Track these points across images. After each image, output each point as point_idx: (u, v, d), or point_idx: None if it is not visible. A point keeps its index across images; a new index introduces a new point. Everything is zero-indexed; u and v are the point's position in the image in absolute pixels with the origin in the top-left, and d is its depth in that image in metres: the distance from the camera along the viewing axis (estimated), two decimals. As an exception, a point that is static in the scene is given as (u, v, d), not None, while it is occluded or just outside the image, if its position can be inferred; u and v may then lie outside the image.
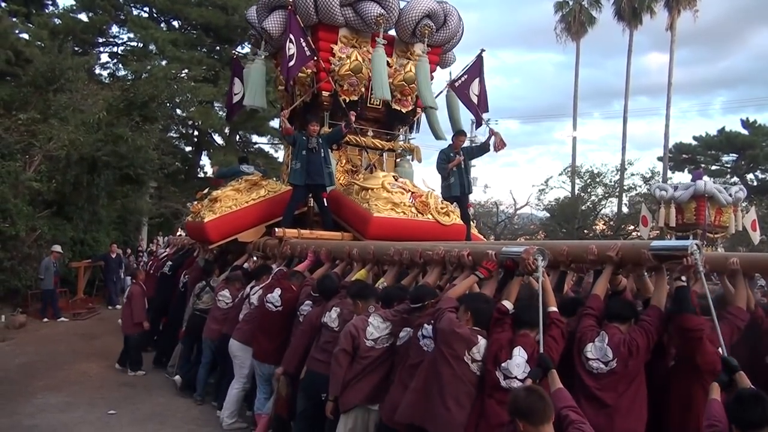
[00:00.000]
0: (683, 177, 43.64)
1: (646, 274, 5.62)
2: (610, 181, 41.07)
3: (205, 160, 34.85)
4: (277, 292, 8.12)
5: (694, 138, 50.15)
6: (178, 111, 29.38)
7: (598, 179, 40.72)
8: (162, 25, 33.13)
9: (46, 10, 30.99)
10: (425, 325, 5.63)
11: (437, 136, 13.01)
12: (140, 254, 25.35)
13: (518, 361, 4.89)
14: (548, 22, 47.67)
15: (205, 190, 12.56)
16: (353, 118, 10.97)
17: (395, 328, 6.15)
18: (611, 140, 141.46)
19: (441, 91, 12.70)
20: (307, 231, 10.42)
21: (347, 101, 11.71)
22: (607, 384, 4.83)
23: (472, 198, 20.72)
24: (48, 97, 19.80)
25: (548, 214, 41.81)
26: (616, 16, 45.72)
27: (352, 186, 10.94)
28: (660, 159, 45.50)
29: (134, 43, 33.18)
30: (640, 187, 40.45)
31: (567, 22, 47.14)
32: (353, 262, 8.33)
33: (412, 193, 10.56)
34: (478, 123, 12.65)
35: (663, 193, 23.21)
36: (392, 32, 12.12)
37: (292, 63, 10.85)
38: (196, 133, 34.01)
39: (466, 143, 12.87)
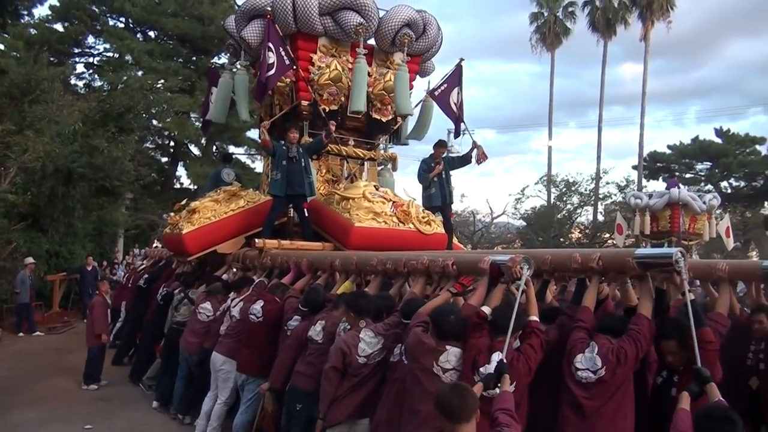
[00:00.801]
0: (658, 185, 43.89)
1: (629, 282, 5.64)
2: (586, 190, 41.32)
3: (181, 171, 34.68)
4: (259, 303, 8.00)
5: (669, 147, 50.68)
6: (154, 122, 29.15)
7: (573, 188, 40.95)
8: (138, 35, 32.92)
9: (22, 21, 30.51)
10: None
11: (400, 141, 13.19)
12: (116, 266, 25.08)
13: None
14: (524, 33, 48.18)
15: (183, 201, 12.44)
16: (333, 128, 10.90)
17: (387, 343, 6.00)
18: (587, 149, 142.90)
19: (421, 101, 12.74)
20: (287, 242, 10.29)
21: (327, 111, 11.64)
22: (594, 393, 4.79)
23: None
24: (23, 109, 19.40)
25: (525, 223, 41.96)
26: (591, 27, 46.32)
27: (333, 196, 10.84)
28: (635, 167, 45.88)
29: (110, 54, 32.95)
30: (615, 195, 40.69)
31: (542, 33, 47.53)
32: (335, 273, 8.24)
33: (394, 202, 10.50)
34: (457, 132, 12.60)
35: (638, 202, 23.43)
36: (372, 41, 12.08)
37: (271, 72, 10.76)
38: (172, 143, 33.76)
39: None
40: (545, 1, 47.77)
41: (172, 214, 12.10)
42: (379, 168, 12.85)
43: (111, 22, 32.69)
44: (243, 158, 34.82)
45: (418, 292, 6.56)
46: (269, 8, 11.24)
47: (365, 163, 12.43)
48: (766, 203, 47.14)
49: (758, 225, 40.86)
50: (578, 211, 41.78)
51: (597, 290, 5.49)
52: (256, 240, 10.13)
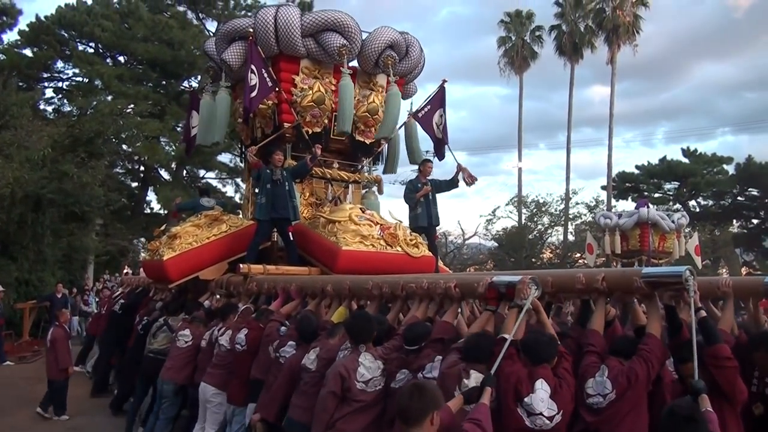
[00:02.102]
0: (627, 205, 44.46)
1: (636, 301, 5.51)
2: (556, 210, 41.89)
3: (151, 196, 34.49)
4: (244, 332, 7.77)
5: (637, 167, 51.35)
6: (124, 146, 29.13)
7: (543, 209, 41.52)
8: (108, 60, 32.88)
9: None
10: (428, 365, 5.30)
11: (389, 169, 13.15)
12: (87, 294, 24.67)
13: (541, 396, 4.53)
14: (492, 57, 48.37)
15: (162, 227, 12.21)
16: (319, 152, 10.76)
17: (389, 367, 5.69)
18: (557, 170, 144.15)
19: (403, 123, 12.60)
20: (272, 267, 10.03)
21: (310, 133, 11.51)
22: (605, 417, 4.60)
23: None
24: None
25: (496, 244, 42.26)
26: (558, 51, 46.89)
27: (318, 219, 10.66)
28: (604, 188, 46.16)
29: (80, 79, 32.75)
30: (585, 215, 41.28)
31: (510, 56, 48.10)
32: (325, 299, 7.97)
33: (381, 225, 10.34)
34: (440, 155, 12.46)
35: (607, 221, 23.75)
36: (354, 63, 11.93)
37: (254, 93, 10.61)
38: (142, 168, 33.59)
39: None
40: (512, 25, 48.35)
41: (152, 240, 11.90)
42: (364, 191, 12.65)
43: (80, 47, 32.59)
44: (214, 182, 35.05)
45: (420, 316, 6.33)
46: (251, 29, 11.11)
47: (350, 185, 12.23)
48: (734, 221, 48.09)
49: (727, 243, 41.42)
50: (549, 231, 42.51)
51: (603, 311, 5.35)
52: (241, 265, 9.85)
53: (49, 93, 33.16)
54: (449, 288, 6.13)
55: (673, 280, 4.87)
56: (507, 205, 42.98)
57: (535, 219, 41.88)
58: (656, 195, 49.05)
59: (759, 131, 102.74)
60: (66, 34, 32.14)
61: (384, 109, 11.83)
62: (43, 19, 31.39)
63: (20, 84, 27.81)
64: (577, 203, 42.20)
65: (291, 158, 11.41)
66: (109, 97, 28.87)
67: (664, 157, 49.87)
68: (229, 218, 11.48)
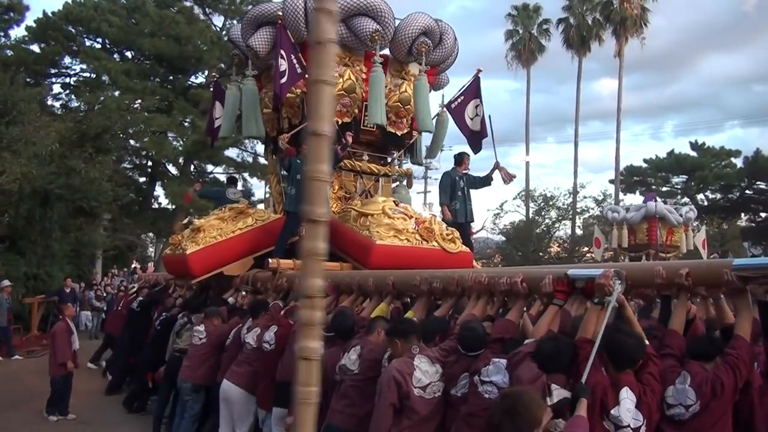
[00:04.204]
0: (635, 199, 44.32)
1: (723, 297, 5.01)
2: (563, 204, 41.59)
3: (159, 191, 34.20)
4: (273, 330, 7.39)
5: (645, 161, 50.95)
6: (132, 141, 29.10)
7: (551, 203, 41.20)
8: (115, 55, 32.52)
9: None
10: (484, 368, 4.80)
11: (415, 160, 12.86)
12: (96, 288, 24.48)
13: (628, 406, 4.10)
14: (500, 50, 48.33)
15: (185, 220, 11.87)
16: (350, 140, 10.41)
17: (450, 371, 5.16)
18: (565, 164, 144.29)
19: (436, 114, 12.16)
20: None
21: (340, 123, 10.97)
22: (688, 431, 4.24)
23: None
24: (0, 130, 19.07)
25: (504, 238, 41.89)
26: (565, 45, 46.62)
27: (349, 212, 10.21)
28: (612, 182, 46.18)
29: (87, 74, 32.44)
30: (592, 209, 41.14)
31: (517, 50, 47.92)
32: (363, 295, 7.62)
33: (416, 219, 9.96)
34: (475, 148, 11.96)
35: (615, 215, 23.78)
36: (386, 51, 11.51)
37: (284, 79, 10.15)
38: (149, 163, 33.33)
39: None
40: (520, 18, 48.13)
41: (174, 234, 11.60)
42: (394, 185, 12.32)
43: (87, 43, 32.28)
44: (221, 177, 34.42)
45: (478, 314, 5.75)
46: (280, 13, 10.66)
47: (380, 179, 11.85)
48: (742, 215, 48.00)
49: (735, 236, 41.33)
50: (556, 225, 42.04)
51: (685, 309, 4.91)
52: (270, 260, 9.48)
53: (56, 88, 32.88)
54: (515, 283, 5.56)
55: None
56: (514, 199, 42.61)
57: (543, 213, 41.47)
58: (664, 189, 48.69)
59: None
60: (73, 30, 31.79)
61: (414, 100, 11.38)
62: (50, 14, 31.09)
63: (27, 80, 27.45)
64: (585, 197, 42.05)
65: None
66: (117, 93, 28.61)
67: (672, 151, 49.62)
68: (255, 211, 11.14)
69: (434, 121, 12.05)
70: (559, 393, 4.24)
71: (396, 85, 11.53)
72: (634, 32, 44.18)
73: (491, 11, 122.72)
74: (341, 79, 11.04)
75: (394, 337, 5.45)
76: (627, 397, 4.12)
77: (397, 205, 10.15)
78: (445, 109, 12.05)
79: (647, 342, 4.49)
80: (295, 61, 10.24)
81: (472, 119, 11.67)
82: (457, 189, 11.47)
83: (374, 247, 9.30)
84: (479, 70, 11.93)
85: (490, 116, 11.70)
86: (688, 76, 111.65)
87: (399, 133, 11.76)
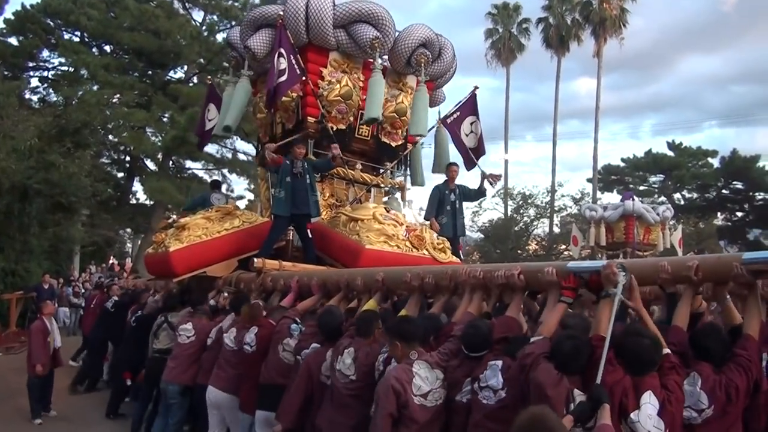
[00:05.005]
0: (613, 197, 44.89)
1: (728, 296, 4.71)
2: (542, 203, 42.11)
3: (137, 186, 34.05)
4: (254, 331, 7.16)
5: (623, 160, 51.62)
6: (110, 136, 28.90)
7: (529, 201, 41.69)
8: (93, 49, 32.36)
9: None
10: (482, 374, 4.56)
11: (416, 181, 12.69)
12: (74, 284, 24.38)
13: (649, 411, 3.81)
14: (480, 48, 48.33)
15: (170, 219, 11.74)
16: (337, 152, 10.22)
17: (452, 376, 4.85)
18: (544, 162, 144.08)
19: (432, 127, 12.15)
20: (289, 263, 9.36)
21: (335, 129, 10.99)
22: None
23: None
24: None
25: (482, 236, 42.22)
26: (545, 44, 46.96)
27: (339, 217, 10.11)
28: (590, 180, 46.73)
29: (65, 68, 32.20)
30: (570, 207, 41.91)
31: (497, 48, 48.26)
32: (351, 295, 7.33)
33: (406, 226, 9.89)
34: (469, 164, 11.95)
35: (593, 214, 24.05)
36: (385, 62, 11.44)
37: (283, 78, 10.06)
38: (128, 158, 33.14)
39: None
40: (500, 17, 48.33)
41: (157, 233, 11.48)
42: (387, 197, 12.21)
43: (66, 36, 32.06)
44: (201, 173, 34.69)
45: (476, 312, 5.47)
46: (281, 13, 10.59)
47: (372, 189, 11.77)
48: (718, 214, 48.58)
49: (711, 235, 41.87)
50: (535, 223, 42.79)
51: (689, 306, 4.60)
52: (255, 259, 9.22)
53: (34, 82, 32.69)
54: (512, 276, 5.32)
55: None
56: (493, 197, 42.40)
57: (521, 211, 41.97)
58: (642, 188, 49.35)
59: (745, 125, 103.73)
60: (52, 23, 31.61)
61: (413, 106, 11.33)
62: (28, 7, 30.92)
63: (5, 73, 27.46)
64: (563, 195, 42.78)
65: (312, 155, 10.92)
66: (95, 87, 28.43)
67: (650, 150, 50.38)
68: (243, 213, 10.94)
69: (434, 134, 12.18)
70: (579, 398, 3.93)
71: (393, 95, 11.43)
72: (613, 33, 44.65)
73: (472, 9, 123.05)
74: (338, 85, 11.00)
75: (395, 338, 5.05)
76: (649, 402, 3.84)
77: (388, 211, 10.07)
78: (440, 123, 12.04)
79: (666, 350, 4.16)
80: (293, 61, 10.20)
81: (467, 135, 11.72)
82: (445, 203, 11.42)
83: (363, 252, 9.16)
84: (476, 88, 12.02)
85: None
86: (667, 76, 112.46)
87: (393, 144, 11.75)
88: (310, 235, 9.96)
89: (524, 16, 48.51)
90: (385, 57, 11.42)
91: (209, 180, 33.06)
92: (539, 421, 3.17)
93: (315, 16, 10.63)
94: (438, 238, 10.09)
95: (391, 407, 4.72)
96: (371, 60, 10.89)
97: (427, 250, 9.69)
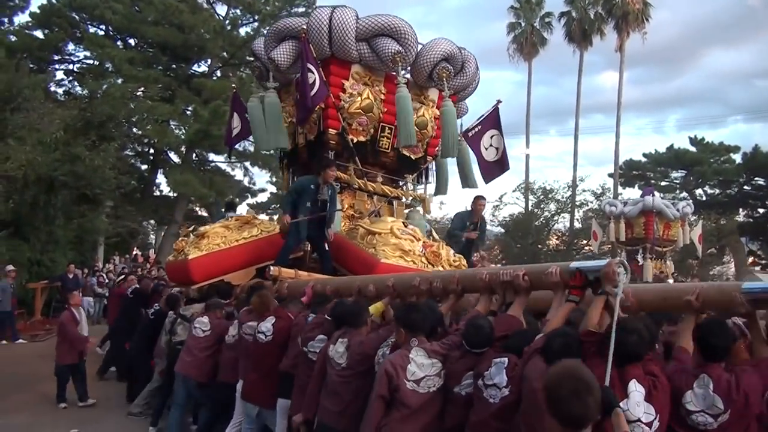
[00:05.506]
0: (634, 193, 44.56)
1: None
2: (563, 198, 41.94)
3: (161, 179, 34.42)
4: (270, 320, 7.17)
5: (644, 155, 51.23)
6: (135, 129, 29.06)
7: (550, 195, 41.52)
8: (118, 43, 32.55)
9: (2, 27, 30.70)
10: (487, 371, 4.59)
11: (440, 191, 12.88)
12: (98, 274, 24.78)
13: (637, 399, 3.87)
14: (503, 42, 48.08)
15: (191, 227, 11.90)
16: (333, 174, 10.23)
17: (452, 367, 4.95)
18: (567, 156, 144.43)
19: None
20: (305, 273, 9.48)
21: (355, 141, 11.06)
22: None
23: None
24: (5, 117, 19.27)
25: (503, 230, 42.10)
26: (567, 38, 46.66)
27: (357, 230, 10.14)
28: (611, 175, 46.62)
29: (90, 61, 32.58)
30: (591, 203, 41.36)
31: (519, 42, 47.87)
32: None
33: (423, 242, 9.93)
34: (487, 177, 11.97)
35: (613, 209, 24.23)
36: (407, 75, 11.44)
37: (314, 91, 10.12)
38: (151, 151, 33.49)
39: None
40: (522, 11, 48.12)
41: (179, 239, 11.59)
42: (408, 210, 12.37)
43: (91, 30, 32.35)
44: (223, 166, 35.11)
45: (483, 312, 5.50)
46: (304, 26, 10.67)
47: (393, 201, 11.84)
48: (740, 210, 48.12)
49: (732, 231, 41.39)
50: (555, 218, 42.45)
51: (692, 329, 4.46)
52: (271, 267, 9.34)
53: (59, 75, 32.99)
54: (517, 276, 5.33)
55: None
56: (514, 191, 42.68)
57: (542, 206, 41.84)
58: (663, 183, 48.96)
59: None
60: (77, 17, 31.95)
61: (440, 127, 11.39)
62: (54, 1, 31.24)
63: (31, 66, 27.66)
64: (584, 190, 42.25)
65: (334, 167, 11.03)
66: (120, 80, 28.64)
67: (672, 146, 49.77)
68: (261, 222, 11.07)
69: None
70: None
71: (414, 108, 11.32)
72: (635, 27, 44.25)
73: (494, 3, 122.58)
74: (359, 98, 11.06)
75: (401, 325, 5.27)
76: (636, 390, 3.89)
77: (406, 226, 10.10)
78: (462, 137, 12.02)
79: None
80: (318, 76, 10.25)
81: (486, 149, 11.67)
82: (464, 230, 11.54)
83: (378, 266, 9.18)
84: (499, 102, 11.93)
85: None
86: (692, 70, 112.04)
87: (414, 157, 11.78)
88: (327, 248, 10.09)
89: (547, 10, 48.30)
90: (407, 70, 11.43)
91: (231, 172, 33.64)
92: (570, 376, 3.30)
93: (338, 29, 10.66)
94: (454, 255, 10.12)
95: (382, 390, 4.94)
96: (394, 73, 10.93)
97: (442, 266, 9.66)
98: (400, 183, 12.19)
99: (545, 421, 3.61)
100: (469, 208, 12.10)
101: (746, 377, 3.98)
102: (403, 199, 12.18)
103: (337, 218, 10.58)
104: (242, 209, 39.45)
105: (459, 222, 11.62)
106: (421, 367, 4.95)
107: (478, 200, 11.94)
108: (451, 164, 12.63)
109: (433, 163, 12.39)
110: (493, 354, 4.68)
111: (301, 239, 10.15)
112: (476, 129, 11.74)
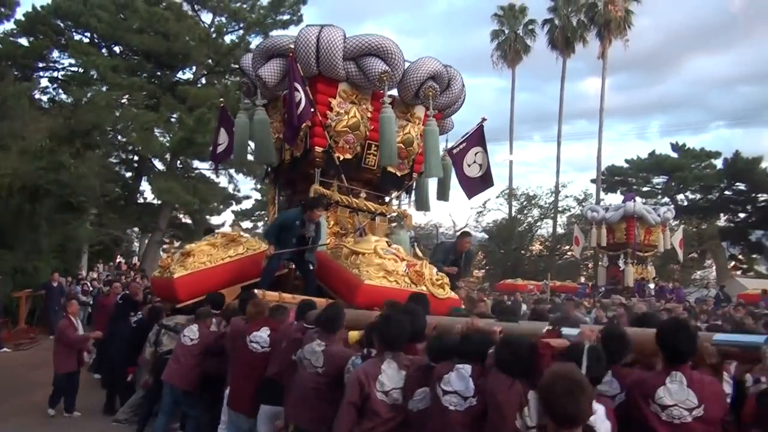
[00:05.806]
0: (616, 198, 44.87)
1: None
2: (545, 203, 42.69)
3: (145, 186, 34.45)
4: (265, 331, 7.25)
5: (626, 161, 51.90)
6: (119, 137, 29.18)
7: (533, 201, 42.38)
8: (103, 50, 32.65)
9: None
10: (446, 375, 4.61)
11: (422, 206, 12.94)
12: (82, 282, 24.75)
13: (601, 416, 3.79)
14: (487, 48, 48.52)
15: (177, 244, 11.90)
16: (319, 214, 10.20)
17: (407, 384, 5.01)
18: (550, 162, 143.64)
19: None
20: (289, 296, 9.29)
21: (341, 159, 11.10)
22: None
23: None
24: None
25: (486, 236, 42.64)
26: (550, 45, 47.50)
27: (341, 249, 10.09)
28: (593, 181, 47.14)
29: (75, 69, 32.47)
30: (574, 208, 42.15)
31: (503, 49, 48.84)
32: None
33: (407, 261, 9.87)
34: (469, 194, 12.14)
35: (594, 215, 24.78)
36: (393, 92, 11.35)
37: (300, 110, 10.15)
38: (136, 158, 33.51)
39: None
40: (506, 19, 48.89)
41: (163, 256, 11.59)
42: (392, 225, 12.43)
43: (76, 37, 32.32)
44: (207, 173, 35.08)
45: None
46: (292, 45, 10.68)
47: (377, 217, 11.80)
48: (721, 215, 48.74)
49: (713, 236, 41.85)
50: (538, 223, 43.34)
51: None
52: (255, 291, 9.14)
53: (44, 82, 33.10)
54: (494, 332, 5.08)
55: (751, 350, 4.29)
56: (497, 197, 43.44)
57: (525, 211, 42.57)
58: (645, 189, 49.62)
59: (753, 125, 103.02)
60: (62, 24, 31.87)
61: (423, 147, 11.41)
62: (39, 8, 31.12)
63: (16, 74, 27.75)
64: (567, 196, 43.12)
65: (318, 184, 11.06)
66: (104, 88, 28.66)
67: (653, 152, 50.79)
68: (247, 240, 11.00)
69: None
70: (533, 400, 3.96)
71: (400, 126, 11.42)
72: (618, 34, 45.19)
73: (478, 10, 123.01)
74: (346, 116, 11.08)
75: (377, 338, 5.30)
76: (599, 409, 3.76)
77: (389, 245, 10.06)
78: (447, 154, 12.11)
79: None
80: (304, 95, 10.27)
81: (469, 166, 11.78)
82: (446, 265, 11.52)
83: (362, 287, 9.12)
84: (483, 119, 12.02)
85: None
86: (674, 76, 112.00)
87: (399, 173, 11.83)
88: (312, 268, 10.07)
89: (530, 17, 49.20)
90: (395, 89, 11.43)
91: (216, 179, 33.58)
92: (563, 377, 3.33)
93: (326, 48, 10.67)
94: (437, 274, 10.04)
95: (354, 397, 5.02)
96: (381, 91, 10.93)
97: (425, 285, 9.60)
98: (385, 199, 12.22)
99: None
100: (453, 241, 12.27)
101: (713, 380, 4.15)
102: (387, 215, 12.17)
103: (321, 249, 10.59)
104: (227, 216, 39.69)
105: (441, 254, 11.62)
106: (390, 379, 5.03)
107: (464, 238, 12.05)
108: (433, 179, 12.64)
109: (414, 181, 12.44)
110: (456, 359, 4.70)
111: (283, 260, 10.20)
112: (461, 146, 11.86)
